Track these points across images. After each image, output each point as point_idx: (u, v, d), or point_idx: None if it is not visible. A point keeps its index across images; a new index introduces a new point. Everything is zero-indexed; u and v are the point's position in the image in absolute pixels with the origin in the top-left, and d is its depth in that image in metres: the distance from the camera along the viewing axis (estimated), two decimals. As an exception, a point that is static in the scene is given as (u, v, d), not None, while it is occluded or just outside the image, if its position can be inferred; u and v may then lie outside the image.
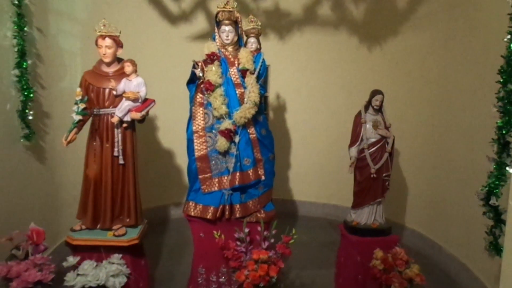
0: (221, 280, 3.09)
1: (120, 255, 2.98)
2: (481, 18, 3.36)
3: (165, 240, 4.54)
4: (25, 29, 3.09)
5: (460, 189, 3.53)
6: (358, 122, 3.25)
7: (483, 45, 3.31)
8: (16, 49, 3.06)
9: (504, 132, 2.07)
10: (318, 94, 5.22)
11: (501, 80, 2.08)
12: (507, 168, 2.07)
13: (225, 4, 3.08)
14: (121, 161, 3.01)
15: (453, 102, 3.84)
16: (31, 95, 3.18)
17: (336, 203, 5.11)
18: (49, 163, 3.71)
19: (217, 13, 3.11)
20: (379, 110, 3.23)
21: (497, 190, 2.12)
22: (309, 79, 5.23)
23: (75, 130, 2.97)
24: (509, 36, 2.07)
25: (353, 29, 4.99)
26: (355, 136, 3.24)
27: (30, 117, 3.19)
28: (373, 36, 4.88)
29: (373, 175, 3.17)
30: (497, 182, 2.11)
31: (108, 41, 2.93)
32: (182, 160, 5.04)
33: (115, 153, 2.99)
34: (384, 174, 3.20)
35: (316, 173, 5.33)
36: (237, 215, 3.05)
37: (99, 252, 2.98)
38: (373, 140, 3.20)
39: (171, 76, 4.57)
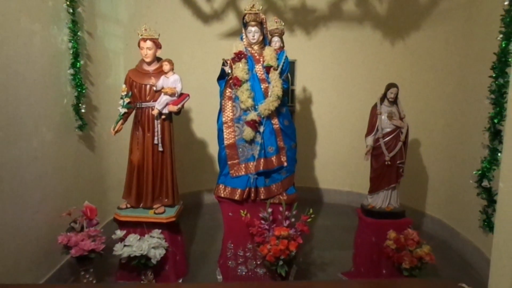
0: (247, 254, 3.44)
1: (160, 231, 3.37)
2: (495, 15, 3.48)
3: (199, 222, 4.96)
4: (79, 33, 3.53)
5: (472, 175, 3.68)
6: (374, 113, 3.49)
7: (496, 37, 3.43)
8: (71, 51, 3.50)
9: (495, 121, 2.28)
10: (343, 87, 5.43)
11: (494, 75, 2.30)
12: (499, 154, 2.28)
13: (251, 7, 3.38)
14: (160, 148, 3.39)
15: (472, 93, 3.94)
16: (84, 91, 3.63)
17: (360, 191, 5.31)
18: (97, 151, 4.18)
19: (244, 15, 3.41)
20: (394, 102, 3.45)
21: (488, 174, 2.34)
22: (334, 73, 5.44)
23: (121, 121, 3.38)
24: (500, 36, 2.27)
25: (377, 24, 5.16)
26: (371, 126, 3.48)
27: (83, 110, 3.64)
28: (396, 30, 5.02)
29: (387, 163, 3.40)
30: (489, 166, 2.33)
31: (149, 43, 3.31)
32: (214, 150, 5.40)
33: (155, 141, 3.37)
34: (398, 162, 3.42)
35: (341, 162, 5.55)
36: (262, 197, 3.36)
37: (141, 228, 3.39)
38: (388, 130, 3.42)
39: (204, 72, 4.91)
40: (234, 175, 3.40)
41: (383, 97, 3.48)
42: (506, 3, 2.32)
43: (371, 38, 5.20)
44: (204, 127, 5.33)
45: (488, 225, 2.47)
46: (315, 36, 5.43)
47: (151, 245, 3.25)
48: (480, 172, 2.40)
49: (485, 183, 2.37)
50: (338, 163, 5.58)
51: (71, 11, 3.46)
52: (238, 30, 5.23)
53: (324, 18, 5.33)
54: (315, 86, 5.53)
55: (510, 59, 2.22)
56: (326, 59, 5.42)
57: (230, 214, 3.42)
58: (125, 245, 3.26)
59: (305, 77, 5.47)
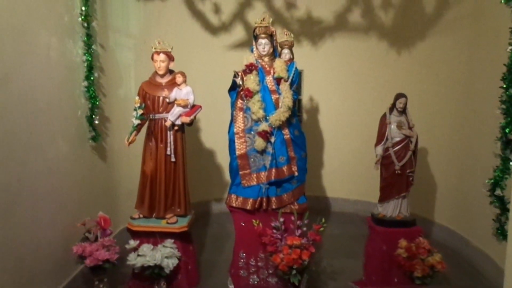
0: (259, 264, 3.47)
1: (172, 240, 3.41)
2: (502, 25, 3.54)
3: (208, 231, 4.98)
4: (93, 47, 3.61)
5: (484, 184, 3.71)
6: (383, 123, 3.54)
7: (504, 48, 3.49)
8: (85, 64, 3.59)
9: (507, 131, 2.33)
10: (350, 96, 5.48)
11: (504, 86, 2.35)
12: (511, 163, 2.33)
13: (261, 20, 3.47)
14: (173, 159, 3.44)
15: (479, 102, 3.99)
16: (97, 102, 3.71)
17: (367, 199, 5.33)
18: (109, 161, 4.24)
19: (255, 28, 3.49)
20: (403, 111, 3.50)
21: (501, 182, 2.38)
22: (341, 82, 5.50)
23: (134, 132, 3.43)
24: (510, 47, 2.33)
25: (383, 34, 5.22)
26: (381, 136, 3.53)
27: (97, 122, 3.72)
28: (402, 40, 5.08)
29: (397, 172, 3.45)
30: (501, 175, 2.38)
31: (162, 56, 3.38)
32: (222, 159, 5.49)
33: (168, 152, 3.42)
34: (408, 171, 3.46)
35: (348, 171, 5.57)
36: (273, 207, 3.41)
37: (154, 237, 3.42)
38: (397, 139, 3.47)
39: (212, 82, 4.99)
40: (246, 185, 3.45)
41: (392, 107, 3.53)
42: (515, 16, 2.38)
43: (377, 48, 5.26)
44: (212, 137, 5.39)
45: (501, 233, 2.51)
46: (321, 46, 5.49)
47: (164, 255, 3.29)
48: (492, 181, 2.45)
49: (498, 191, 2.42)
50: (346, 172, 5.61)
51: (86, 25, 3.55)
52: (245, 42, 5.33)
53: (330, 28, 5.40)
54: (322, 96, 5.58)
55: (520, 70, 2.28)
56: (333, 69, 5.48)
57: (242, 224, 3.46)
58: (138, 255, 3.30)
59: (312, 86, 5.53)
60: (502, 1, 2.47)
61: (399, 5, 4.98)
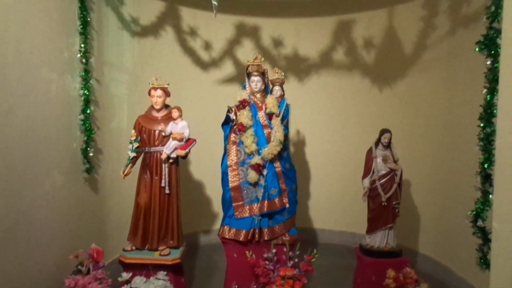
0: (251, 295, 3.51)
1: (165, 272, 3.43)
2: (477, 67, 3.82)
3: (197, 263, 4.97)
4: (90, 82, 3.73)
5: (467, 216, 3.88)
6: (369, 157, 3.72)
7: (479, 90, 3.74)
8: (82, 98, 3.68)
9: (486, 166, 2.53)
10: (335, 130, 5.70)
11: (481, 125, 2.57)
12: (490, 196, 2.51)
13: (254, 59, 3.66)
14: (167, 191, 3.52)
15: (456, 136, 4.23)
16: (92, 135, 3.78)
17: (353, 230, 5.46)
18: (100, 193, 4.25)
19: (248, 66, 3.67)
20: (388, 146, 3.70)
21: (482, 214, 2.55)
22: (326, 117, 5.72)
23: (130, 165, 3.52)
24: (485, 90, 2.57)
25: (365, 72, 5.51)
26: (367, 169, 3.71)
27: (91, 154, 3.77)
28: (384, 78, 5.37)
29: (384, 203, 3.60)
30: (482, 207, 2.55)
31: (159, 92, 3.52)
32: (210, 191, 5.57)
33: (163, 184, 3.50)
34: (394, 203, 3.63)
35: (335, 202, 5.71)
36: (266, 238, 3.49)
37: (147, 269, 3.44)
38: (383, 172, 3.65)
39: (201, 116, 5.13)
40: (239, 216, 3.53)
41: (378, 142, 3.73)
42: (488, 62, 2.63)
43: (360, 85, 5.53)
44: (200, 169, 5.48)
45: (484, 262, 2.66)
46: (307, 82, 5.76)
47: (157, 287, 3.29)
48: (474, 212, 2.62)
49: (479, 223, 2.59)
50: (332, 203, 5.74)
51: (84, 61, 3.67)
52: (234, 77, 5.55)
53: (316, 66, 5.68)
54: (308, 129, 5.78)
55: (495, 111, 2.50)
56: (319, 104, 5.71)
57: (234, 255, 3.51)
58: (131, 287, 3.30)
59: (299, 120, 5.72)
60: (477, 49, 2.73)
61: (380, 45, 5.30)
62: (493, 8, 2.59)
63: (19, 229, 2.84)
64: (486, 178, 2.56)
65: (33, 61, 2.99)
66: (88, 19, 3.70)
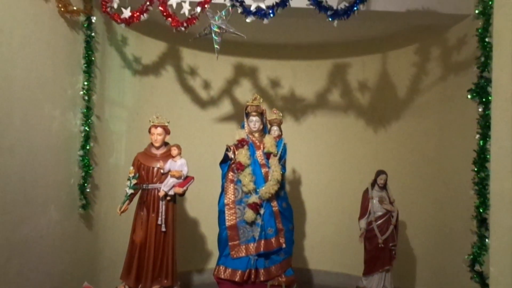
0: (247, 338, 3.41)
1: (158, 313, 3.37)
2: (469, 112, 3.93)
3: (190, 304, 4.85)
4: (91, 118, 3.78)
5: (463, 257, 3.86)
6: (366, 198, 3.76)
7: (472, 135, 3.83)
8: (82, 134, 3.72)
9: (481, 210, 2.57)
10: (330, 170, 5.72)
11: (475, 169, 2.64)
12: (486, 240, 2.53)
13: (253, 99, 3.77)
14: (163, 229, 3.50)
15: (450, 177, 4.27)
16: (90, 171, 3.79)
17: (349, 272, 5.37)
18: (94, 230, 4.18)
19: (247, 106, 3.77)
20: (383, 187, 3.74)
21: (479, 258, 2.56)
22: (321, 156, 5.76)
23: (127, 201, 3.52)
24: (478, 136, 2.66)
25: (360, 113, 5.62)
26: (364, 210, 3.73)
27: (88, 190, 3.77)
28: (378, 119, 5.46)
29: (380, 245, 3.60)
30: (479, 251, 2.57)
31: (159, 130, 3.58)
32: (205, 229, 5.49)
33: (159, 222, 3.49)
34: (390, 244, 3.62)
35: (330, 243, 5.61)
36: (262, 279, 3.44)
37: (139, 310, 3.38)
38: (379, 213, 3.67)
39: (198, 153, 5.14)
40: (235, 256, 3.49)
41: (374, 183, 3.77)
42: (480, 109, 2.74)
43: (355, 126, 5.62)
44: (194, 207, 5.40)
45: (483, 306, 2.64)
46: (303, 122, 5.84)
47: (150, 329, 3.20)
48: (471, 256, 2.63)
49: (477, 267, 2.59)
50: (328, 244, 5.66)
51: (87, 98, 3.74)
52: (232, 115, 5.63)
53: (312, 106, 5.79)
54: (304, 169, 5.80)
55: (488, 156, 2.58)
56: (314, 143, 5.76)
57: (230, 296, 3.45)
58: (123, 329, 3.21)
59: (294, 159, 5.72)
60: (469, 96, 2.84)
61: (374, 88, 5.46)
62: (483, 59, 2.73)
63: (12, 265, 2.79)
64: (482, 222, 2.59)
65: (38, 98, 3.06)
66: (93, 58, 3.81)
